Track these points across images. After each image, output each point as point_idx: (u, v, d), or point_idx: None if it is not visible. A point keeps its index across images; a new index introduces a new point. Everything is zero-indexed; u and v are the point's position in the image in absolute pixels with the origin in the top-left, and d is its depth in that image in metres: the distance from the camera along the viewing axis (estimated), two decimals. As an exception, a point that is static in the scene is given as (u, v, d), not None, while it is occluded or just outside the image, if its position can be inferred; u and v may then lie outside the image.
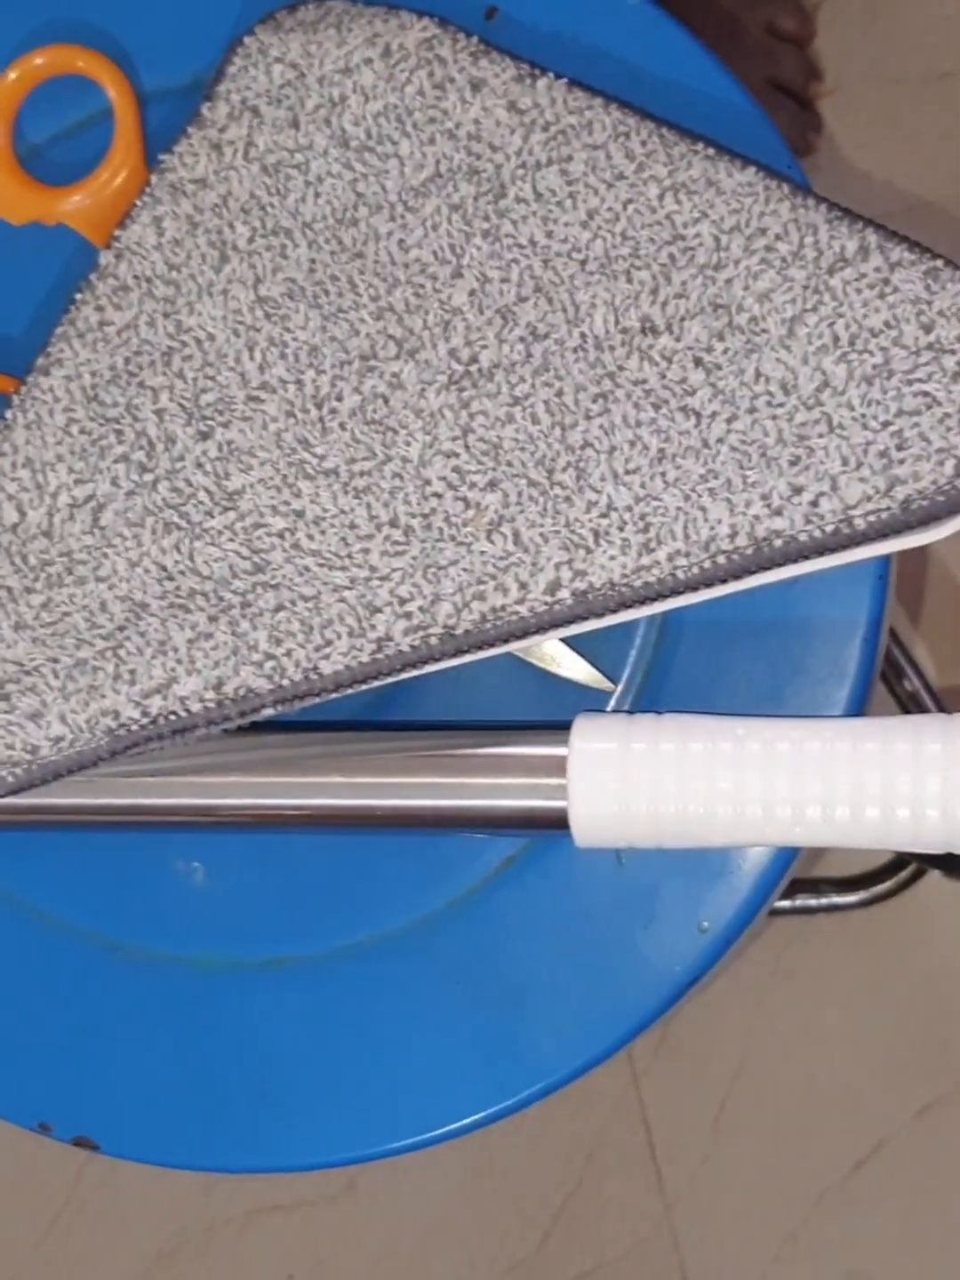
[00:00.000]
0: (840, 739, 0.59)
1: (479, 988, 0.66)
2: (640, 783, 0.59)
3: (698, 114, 0.66)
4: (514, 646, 0.62)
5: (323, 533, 0.63)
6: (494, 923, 0.66)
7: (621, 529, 0.60)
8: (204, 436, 0.65)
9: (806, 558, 0.59)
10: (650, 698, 0.65)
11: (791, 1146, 1.25)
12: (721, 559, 0.59)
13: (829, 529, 0.59)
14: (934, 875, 1.21)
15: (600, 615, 0.61)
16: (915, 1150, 1.23)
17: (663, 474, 0.60)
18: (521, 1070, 0.65)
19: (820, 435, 0.59)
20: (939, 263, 0.60)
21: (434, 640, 0.61)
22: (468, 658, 0.62)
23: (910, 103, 1.30)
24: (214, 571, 0.63)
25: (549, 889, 0.65)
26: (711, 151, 0.63)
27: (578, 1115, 1.28)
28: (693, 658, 0.65)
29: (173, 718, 0.62)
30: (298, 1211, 1.31)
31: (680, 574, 0.60)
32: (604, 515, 0.61)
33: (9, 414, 0.67)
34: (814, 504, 0.59)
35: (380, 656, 0.61)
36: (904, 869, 1.20)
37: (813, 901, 1.21)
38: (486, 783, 0.62)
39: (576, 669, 0.65)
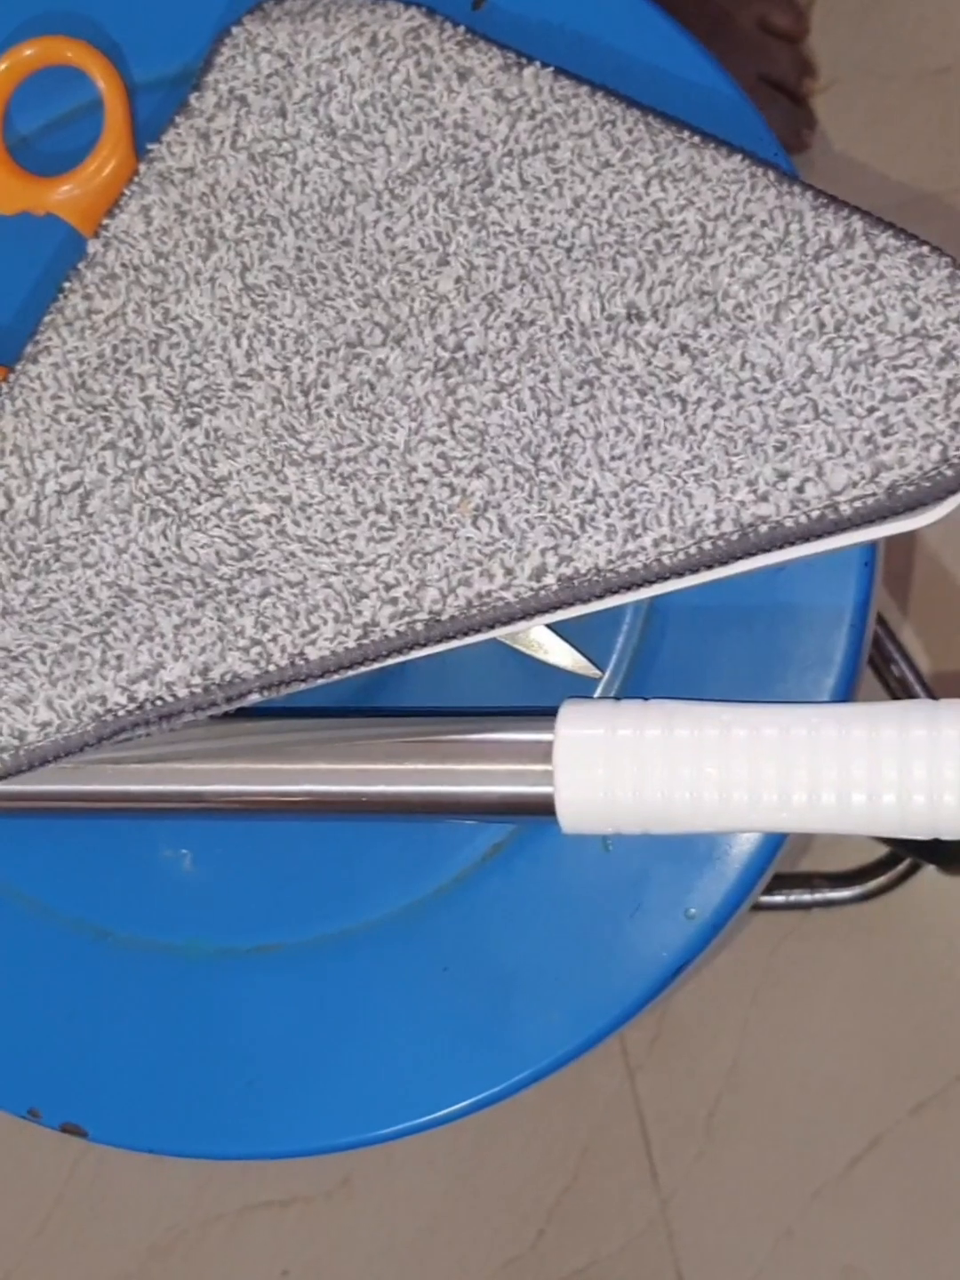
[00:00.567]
0: (826, 725, 0.59)
1: (467, 974, 0.66)
2: (626, 769, 0.59)
3: (684, 103, 0.66)
4: (500, 632, 0.62)
5: (309, 519, 0.63)
6: (481, 909, 0.66)
7: (607, 515, 0.60)
8: (191, 423, 0.65)
9: (793, 544, 0.59)
10: (637, 684, 0.65)
11: (787, 1143, 1.25)
12: (708, 545, 0.59)
13: (815, 515, 0.59)
14: (929, 870, 1.21)
15: (586, 601, 0.61)
16: (911, 1146, 1.23)
17: (648, 460, 0.60)
18: (510, 1057, 0.65)
19: (806, 421, 0.59)
20: (925, 249, 0.60)
21: (420, 626, 0.61)
22: (454, 643, 0.62)
23: (903, 98, 1.30)
24: (200, 558, 0.63)
25: (536, 876, 0.65)
26: (697, 139, 0.63)
27: (572, 1112, 1.28)
28: (679, 644, 0.65)
29: (159, 703, 0.62)
30: (293, 1207, 1.31)
31: (666, 560, 0.60)
32: (590, 501, 0.61)
33: (-3, 401, 0.67)
34: (800, 490, 0.59)
35: (366, 642, 0.62)
36: (898, 864, 1.20)
37: (807, 896, 1.21)
38: (473, 769, 0.62)
39: (563, 655, 0.65)
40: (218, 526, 0.64)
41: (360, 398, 0.64)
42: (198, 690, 0.62)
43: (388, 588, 0.62)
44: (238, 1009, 0.67)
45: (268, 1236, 1.31)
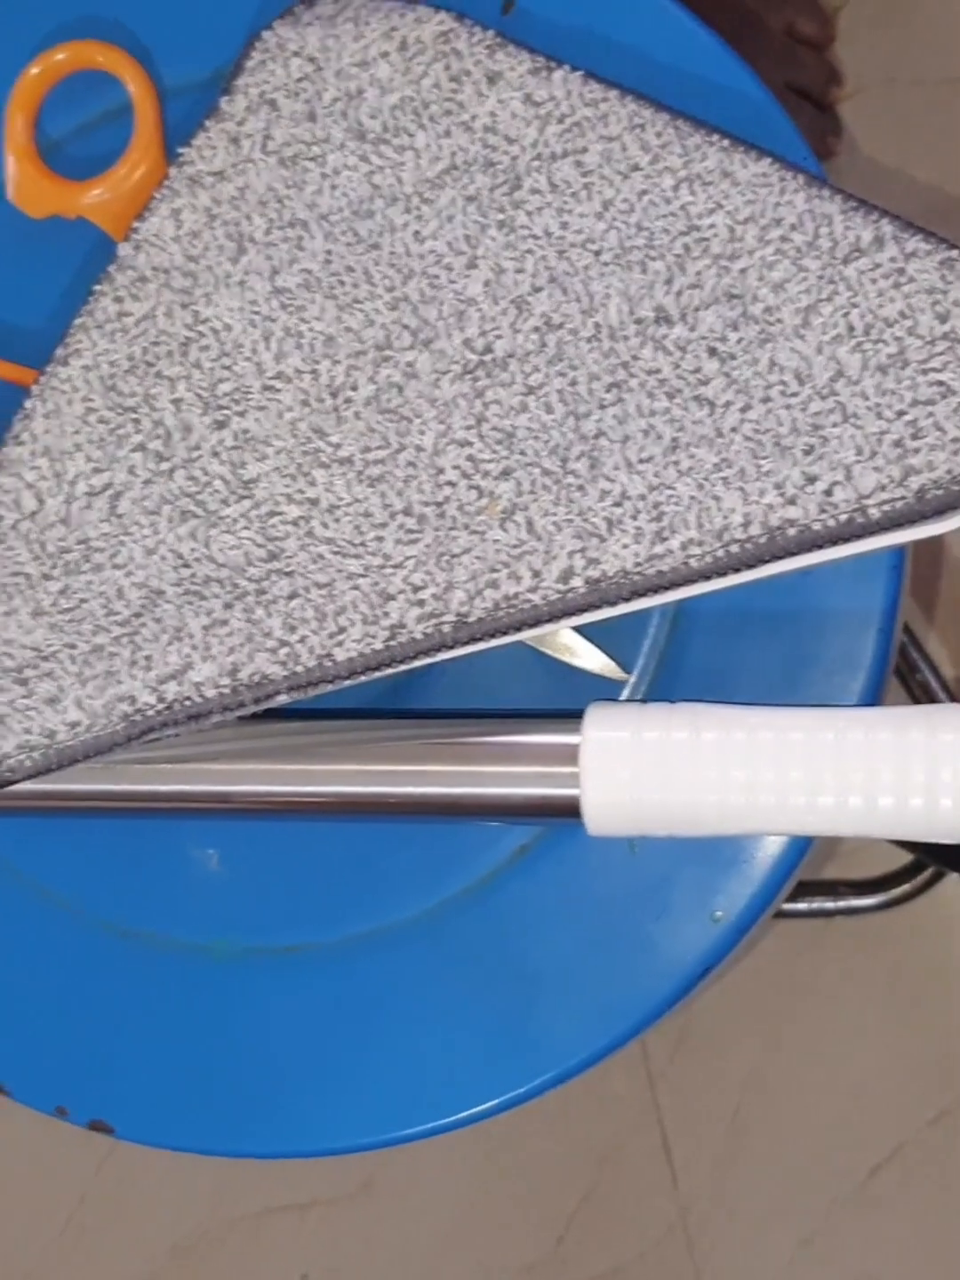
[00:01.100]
0: (854, 728, 0.59)
1: (492, 976, 0.66)
2: (652, 772, 0.59)
3: (713, 106, 0.66)
4: (527, 635, 0.62)
5: (337, 521, 0.63)
6: (507, 911, 0.66)
7: (635, 518, 0.60)
8: (220, 426, 0.65)
9: (820, 547, 0.59)
10: (663, 687, 0.65)
11: (808, 1151, 1.25)
12: (735, 548, 0.59)
13: (843, 518, 0.59)
14: (952, 879, 1.21)
15: (613, 604, 0.61)
16: (932, 1155, 1.23)
17: (676, 463, 0.61)
18: (534, 1058, 0.65)
19: (834, 424, 0.59)
20: (954, 253, 0.60)
21: (447, 628, 0.61)
22: (481, 646, 0.62)
23: (930, 104, 1.30)
24: (229, 559, 0.64)
25: (562, 877, 0.65)
26: (726, 143, 0.64)
27: (594, 1118, 1.28)
28: (706, 647, 0.65)
29: (188, 703, 0.63)
30: (314, 1210, 1.31)
31: (694, 563, 0.60)
32: (617, 504, 0.61)
33: (28, 403, 0.67)
34: (828, 493, 0.59)
35: (393, 644, 0.62)
36: (922, 872, 1.20)
37: (830, 904, 1.21)
38: (499, 771, 0.62)
39: (590, 658, 0.65)
40: (246, 528, 0.64)
41: (388, 400, 0.64)
42: (226, 691, 0.63)
43: (415, 590, 0.62)
44: (263, 1008, 0.67)
45: (288, 1238, 1.31)
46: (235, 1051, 0.67)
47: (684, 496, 0.60)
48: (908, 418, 0.59)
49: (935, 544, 0.61)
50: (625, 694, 0.66)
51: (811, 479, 0.59)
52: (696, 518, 0.60)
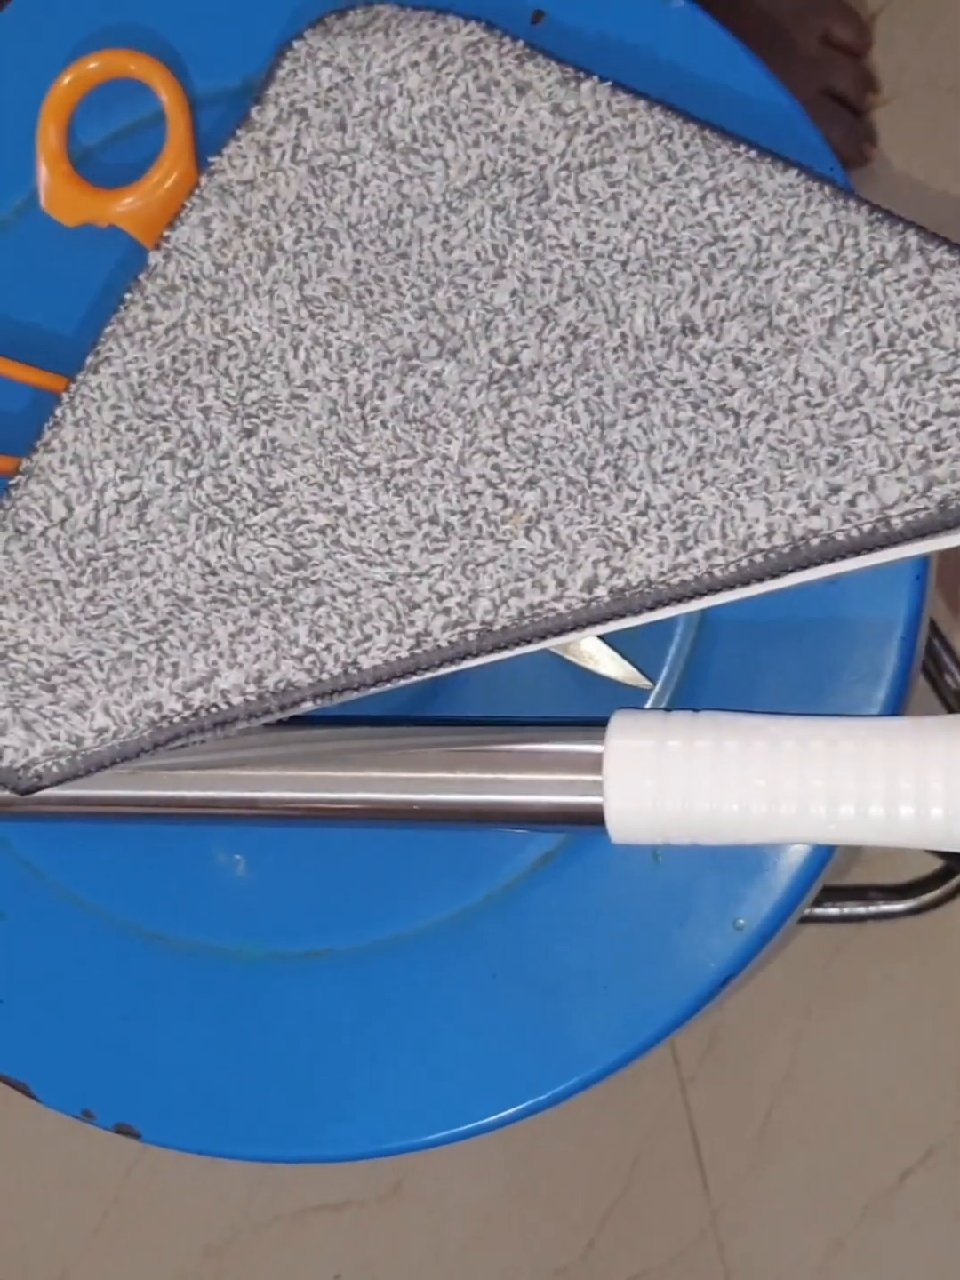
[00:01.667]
0: (875, 738, 0.59)
1: (516, 982, 0.66)
2: (676, 780, 0.60)
3: (741, 116, 0.66)
4: (552, 643, 0.62)
5: (364, 529, 0.63)
6: (532, 917, 0.66)
7: (659, 527, 0.61)
8: (248, 434, 0.66)
9: (844, 557, 0.59)
10: (687, 695, 0.65)
11: (839, 1154, 1.25)
12: (759, 558, 0.60)
13: (867, 528, 0.59)
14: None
15: (638, 613, 0.61)
16: (964, 1159, 1.23)
17: (701, 473, 0.61)
18: (558, 1064, 0.65)
19: (858, 435, 0.59)
20: (979, 264, 0.60)
21: (472, 636, 0.62)
22: (506, 654, 0.62)
23: (966, 112, 1.30)
24: (256, 567, 0.64)
25: (586, 884, 0.66)
26: (753, 153, 0.64)
27: (624, 1122, 1.28)
28: (730, 656, 0.65)
29: (214, 710, 0.63)
30: (346, 1211, 1.32)
31: (718, 572, 0.60)
32: (642, 513, 0.61)
33: (58, 411, 0.68)
34: (852, 503, 0.59)
35: (419, 652, 0.62)
36: (953, 878, 1.20)
37: (861, 909, 1.21)
38: (523, 778, 0.62)
39: (614, 666, 0.66)
40: (273, 536, 0.64)
41: (415, 409, 0.64)
42: (252, 698, 0.63)
43: (441, 598, 0.62)
44: (289, 1013, 0.68)
45: (320, 1239, 1.32)
46: (261, 1056, 0.68)
47: (708, 506, 0.60)
48: (931, 428, 0.59)
49: (965, 547, 0.60)
50: (649, 702, 0.66)
51: (835, 489, 0.59)
52: (721, 527, 0.60)
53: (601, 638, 0.65)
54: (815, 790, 0.59)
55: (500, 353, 0.64)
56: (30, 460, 0.67)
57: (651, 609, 0.61)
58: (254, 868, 0.69)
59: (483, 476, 0.63)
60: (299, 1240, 1.32)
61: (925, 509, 0.58)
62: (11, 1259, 1.36)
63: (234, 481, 0.65)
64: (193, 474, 0.66)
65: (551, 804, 0.62)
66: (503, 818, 0.63)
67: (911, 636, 0.64)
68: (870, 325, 0.60)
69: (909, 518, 0.58)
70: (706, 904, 0.64)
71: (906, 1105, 1.24)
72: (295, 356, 0.66)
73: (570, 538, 0.61)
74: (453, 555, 0.62)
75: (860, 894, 1.21)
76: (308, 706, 0.63)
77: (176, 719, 0.63)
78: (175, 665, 0.63)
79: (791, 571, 0.60)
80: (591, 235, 0.64)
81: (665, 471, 0.61)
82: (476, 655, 0.62)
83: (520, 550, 0.62)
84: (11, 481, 0.68)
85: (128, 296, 0.68)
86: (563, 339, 0.64)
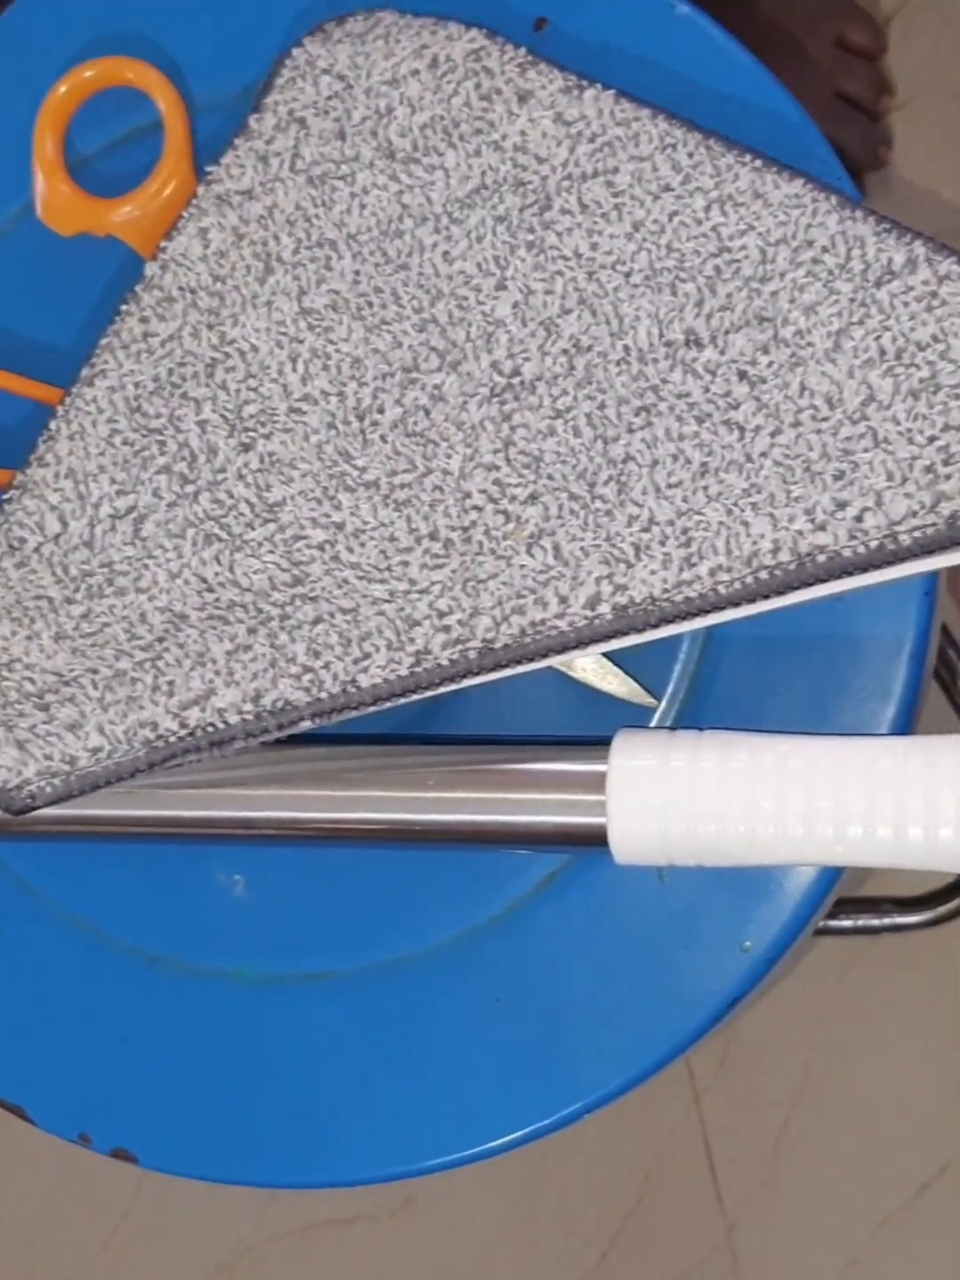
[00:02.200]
0: (884, 757, 0.58)
1: (520, 1004, 0.65)
2: (680, 800, 0.59)
3: (747, 125, 0.65)
4: (554, 661, 0.62)
5: (362, 545, 0.63)
6: (535, 939, 0.65)
7: (663, 543, 0.60)
8: (246, 448, 0.65)
9: (851, 573, 0.58)
10: (692, 714, 0.64)
11: (854, 1169, 1.24)
12: (764, 574, 0.59)
13: (874, 545, 0.58)
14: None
15: (641, 630, 0.60)
16: (980, 1175, 1.22)
17: (705, 488, 0.60)
18: (562, 1088, 0.64)
19: (865, 450, 0.59)
20: (989, 276, 0.59)
21: (473, 654, 0.61)
22: (508, 672, 0.61)
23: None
24: (253, 583, 0.63)
25: (590, 906, 0.65)
26: (759, 163, 0.63)
27: (637, 1135, 1.27)
28: (736, 674, 0.64)
29: (211, 730, 0.62)
30: (357, 1226, 1.31)
31: (722, 589, 0.59)
32: (645, 529, 0.60)
33: (53, 424, 0.67)
34: (858, 519, 0.58)
35: (419, 670, 0.61)
36: (969, 890, 1.19)
37: (875, 921, 1.20)
38: (525, 799, 0.61)
39: (618, 684, 0.65)
40: (271, 552, 0.63)
41: (415, 423, 0.63)
42: (249, 717, 0.62)
43: (441, 615, 0.61)
44: (289, 1036, 0.67)
45: (331, 1254, 1.31)
46: (260, 1079, 0.67)
47: (713, 522, 0.59)
48: (939, 444, 0.58)
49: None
50: (654, 720, 0.65)
51: (842, 505, 0.58)
52: (725, 544, 0.59)
53: (605, 655, 0.64)
54: (823, 811, 0.58)
55: (501, 366, 0.63)
56: (24, 474, 0.67)
57: (656, 626, 0.60)
58: (253, 888, 0.68)
59: (484, 491, 0.62)
60: (309, 1255, 1.31)
61: (933, 525, 0.57)
62: (20, 1276, 1.36)
63: (231, 496, 0.64)
64: (189, 489, 0.65)
65: (554, 824, 0.61)
66: (504, 838, 0.63)
67: (920, 654, 0.63)
68: (877, 338, 0.59)
69: (917, 534, 0.57)
70: (713, 925, 0.63)
71: (922, 1119, 1.23)
72: (293, 369, 0.65)
73: (572, 554, 0.60)
74: (453, 572, 0.61)
75: (874, 906, 1.20)
76: (306, 725, 0.62)
77: (172, 738, 0.62)
78: (171, 684, 0.63)
79: (797, 588, 0.59)
80: (594, 246, 0.63)
81: (669, 486, 0.60)
82: (478, 673, 0.61)
83: (522, 566, 0.61)
84: (5, 496, 0.67)
85: (124, 308, 0.68)
86: (565, 352, 0.63)
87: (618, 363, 0.62)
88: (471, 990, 0.65)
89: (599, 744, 0.61)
